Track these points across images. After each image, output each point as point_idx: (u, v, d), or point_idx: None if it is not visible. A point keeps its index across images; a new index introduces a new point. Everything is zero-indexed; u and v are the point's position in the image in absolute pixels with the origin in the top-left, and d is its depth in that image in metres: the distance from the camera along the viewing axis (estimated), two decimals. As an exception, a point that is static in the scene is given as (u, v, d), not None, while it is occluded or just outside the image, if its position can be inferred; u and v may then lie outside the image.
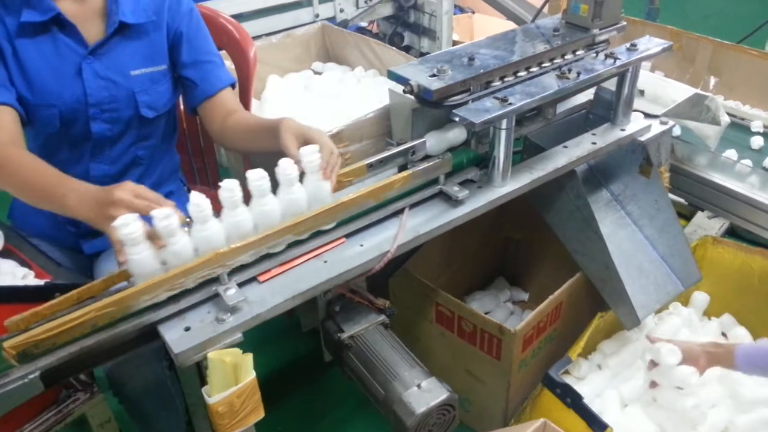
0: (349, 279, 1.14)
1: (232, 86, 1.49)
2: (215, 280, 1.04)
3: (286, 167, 1.07)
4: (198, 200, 0.99)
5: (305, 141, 1.15)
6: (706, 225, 2.27)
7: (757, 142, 2.06)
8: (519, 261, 2.11)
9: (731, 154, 2.02)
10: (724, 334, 1.77)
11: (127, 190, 1.02)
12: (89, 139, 1.38)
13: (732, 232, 2.02)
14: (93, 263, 1.50)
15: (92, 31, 1.34)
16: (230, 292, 1.03)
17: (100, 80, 1.34)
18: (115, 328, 0.98)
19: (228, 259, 1.03)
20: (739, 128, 2.03)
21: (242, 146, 1.45)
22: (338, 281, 1.12)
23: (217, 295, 1.04)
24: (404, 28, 2.93)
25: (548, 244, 1.83)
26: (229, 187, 1.02)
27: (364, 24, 2.97)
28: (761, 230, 1.68)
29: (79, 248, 1.48)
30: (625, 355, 1.60)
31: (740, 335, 1.73)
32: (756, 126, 1.98)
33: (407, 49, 2.98)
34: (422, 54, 2.90)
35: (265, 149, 1.32)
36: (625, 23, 1.53)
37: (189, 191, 1.73)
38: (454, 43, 2.74)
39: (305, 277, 1.10)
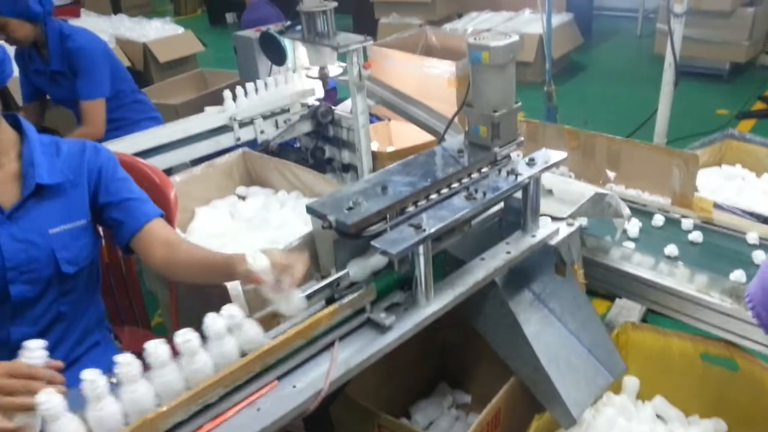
0: (284, 424, 1.14)
1: (164, 218, 1.50)
2: (145, 447, 1.02)
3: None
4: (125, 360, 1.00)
5: None
6: (629, 306, 2.38)
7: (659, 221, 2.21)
8: (459, 363, 2.14)
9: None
10: (659, 416, 1.83)
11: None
12: (7, 302, 1.36)
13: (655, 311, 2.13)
14: None
15: (7, 195, 1.35)
16: (161, 459, 1.00)
17: (18, 243, 1.33)
18: None
19: (159, 423, 1.01)
20: (643, 214, 2.19)
21: (192, 281, 1.47)
22: (274, 428, 1.11)
23: (147, 464, 1.01)
24: (324, 142, 3.04)
25: (485, 344, 1.87)
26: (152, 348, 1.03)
27: (286, 140, 3.07)
28: (675, 313, 1.79)
29: None
30: (568, 455, 1.62)
31: (674, 416, 1.80)
32: (657, 220, 2.14)
33: (330, 161, 3.09)
34: (344, 166, 3.01)
35: (217, 282, 1.49)
36: (522, 139, 1.66)
37: (116, 338, 1.70)
38: (373, 153, 2.86)
39: (239, 429, 1.09)
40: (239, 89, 2.73)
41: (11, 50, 2.78)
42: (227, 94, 2.71)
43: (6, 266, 1.32)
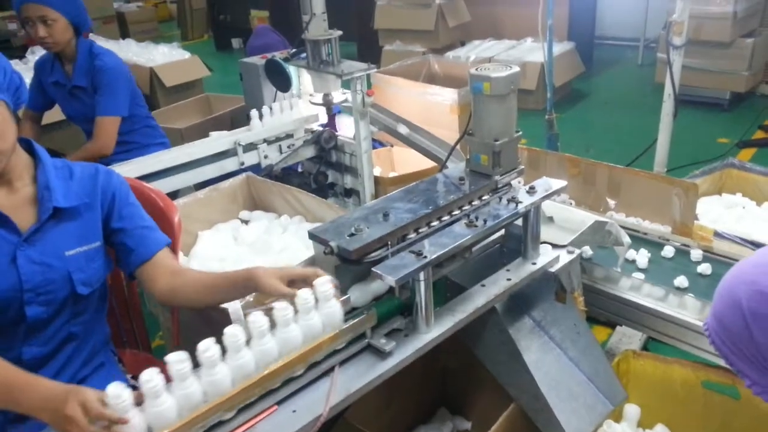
0: (284, 450, 1.14)
1: (169, 246, 1.54)
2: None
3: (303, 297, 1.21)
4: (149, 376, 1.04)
5: (288, 279, 1.28)
6: (630, 333, 2.38)
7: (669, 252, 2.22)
8: (458, 389, 2.13)
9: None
10: (660, 446, 1.82)
11: (77, 405, 1.08)
12: (22, 323, 1.37)
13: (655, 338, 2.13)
14: None
15: (24, 218, 1.37)
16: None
17: (35, 266, 1.36)
18: None
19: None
20: (651, 244, 2.20)
21: (198, 303, 1.49)
22: (273, 455, 1.12)
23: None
24: (327, 167, 3.07)
25: (485, 370, 1.86)
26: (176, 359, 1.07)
27: (289, 165, 3.10)
28: (676, 341, 1.79)
29: None
30: (569, 484, 1.61)
31: (675, 446, 1.79)
32: (668, 251, 2.15)
33: (332, 186, 3.12)
34: (346, 190, 3.03)
35: (225, 302, 1.51)
36: (523, 167, 1.69)
37: (120, 361, 1.71)
38: (376, 178, 2.89)
39: (239, 455, 1.09)
40: (254, 113, 2.78)
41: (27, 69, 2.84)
42: (254, 113, 2.78)
43: (23, 288, 1.34)
